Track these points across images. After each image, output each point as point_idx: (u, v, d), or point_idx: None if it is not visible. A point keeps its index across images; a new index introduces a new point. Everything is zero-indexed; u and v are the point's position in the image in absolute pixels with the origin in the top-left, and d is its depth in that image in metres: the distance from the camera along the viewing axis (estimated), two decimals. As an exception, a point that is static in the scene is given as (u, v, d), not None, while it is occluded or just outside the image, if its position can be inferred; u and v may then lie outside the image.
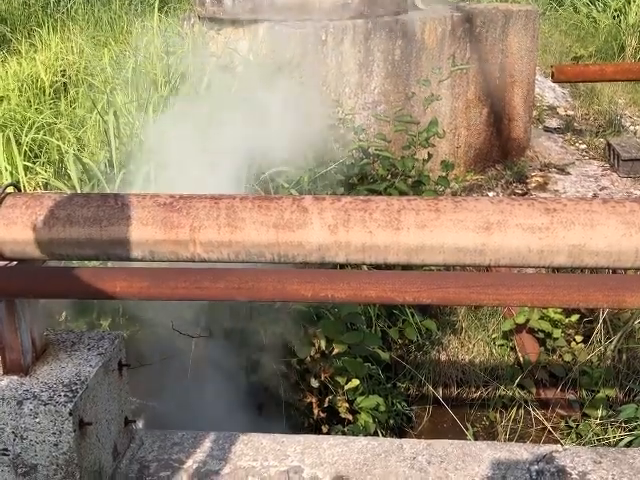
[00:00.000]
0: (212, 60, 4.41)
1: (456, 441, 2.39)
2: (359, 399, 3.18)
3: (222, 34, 5.03)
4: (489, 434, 3.59)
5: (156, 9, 5.16)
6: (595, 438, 3.34)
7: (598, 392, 3.63)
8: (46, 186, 3.38)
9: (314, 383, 3.15)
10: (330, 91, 5.04)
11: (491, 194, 5.90)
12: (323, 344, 3.13)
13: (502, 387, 3.75)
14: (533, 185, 6.10)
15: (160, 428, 2.47)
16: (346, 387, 3.15)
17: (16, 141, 3.58)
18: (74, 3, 7.87)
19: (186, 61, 4.39)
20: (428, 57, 5.49)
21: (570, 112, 7.73)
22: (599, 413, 3.49)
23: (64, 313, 2.69)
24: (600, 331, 3.88)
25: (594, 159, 6.63)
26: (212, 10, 5.24)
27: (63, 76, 5.20)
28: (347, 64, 5.10)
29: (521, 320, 3.99)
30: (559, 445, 2.37)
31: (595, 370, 3.73)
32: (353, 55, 5.11)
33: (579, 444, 3.30)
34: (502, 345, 4.08)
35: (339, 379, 3.16)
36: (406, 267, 2.38)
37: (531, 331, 4.03)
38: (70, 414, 1.90)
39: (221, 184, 2.97)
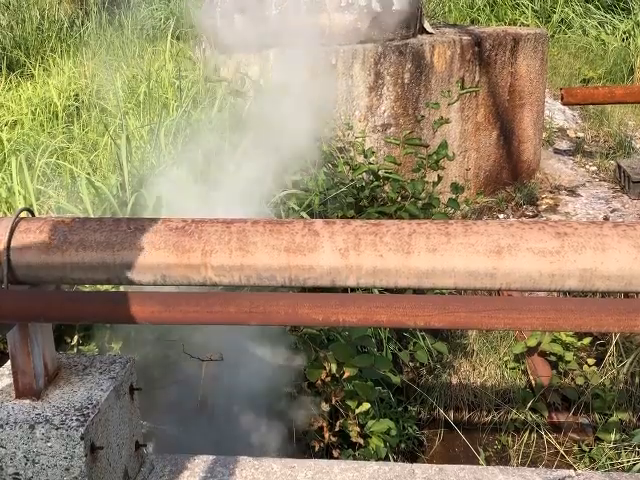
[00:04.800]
0: (223, 85, 4.45)
1: (468, 466, 2.38)
2: (370, 423, 3.17)
3: (233, 59, 5.08)
4: (501, 458, 3.56)
5: (169, 35, 5.22)
6: (608, 462, 3.31)
7: (611, 416, 3.60)
8: (59, 210, 3.40)
9: (325, 407, 3.13)
10: (340, 114, 5.07)
11: (501, 216, 5.89)
12: (334, 367, 3.13)
13: (514, 411, 3.72)
14: (544, 207, 6.09)
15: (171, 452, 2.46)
16: (357, 411, 3.14)
17: (29, 165, 3.61)
18: (87, 28, 7.96)
19: (197, 86, 4.43)
20: (437, 80, 5.52)
21: (580, 134, 7.74)
22: (612, 437, 3.46)
23: (76, 336, 2.70)
24: (613, 354, 3.86)
25: (604, 181, 6.63)
26: (223, 35, 5.29)
27: (76, 100, 5.25)
28: (357, 88, 5.14)
29: (533, 343, 3.97)
30: (572, 470, 2.35)
31: (608, 393, 3.70)
32: (363, 79, 5.14)
33: (592, 468, 3.27)
34: (514, 368, 4.06)
35: (350, 403, 3.15)
36: (417, 291, 2.38)
37: (543, 354, 4.01)
38: (82, 438, 1.90)
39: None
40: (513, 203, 6.13)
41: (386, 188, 4.42)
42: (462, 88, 5.65)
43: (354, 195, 4.14)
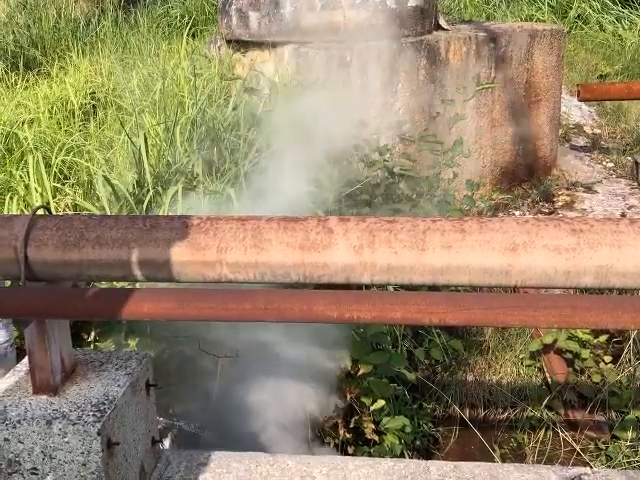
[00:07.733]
0: (238, 82, 4.46)
1: (483, 463, 2.37)
2: (385, 420, 3.16)
3: (248, 56, 5.10)
4: (517, 456, 3.54)
5: (185, 33, 5.23)
6: (625, 460, 3.29)
7: (628, 413, 3.58)
8: (75, 207, 3.43)
9: (340, 403, 3.14)
10: (355, 111, 5.06)
11: (517, 213, 5.87)
12: (349, 364, 3.13)
13: (530, 408, 3.70)
14: (560, 204, 6.06)
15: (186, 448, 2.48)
16: (372, 408, 3.14)
17: (46, 163, 3.63)
18: (103, 27, 8.00)
19: (212, 83, 4.44)
20: (453, 77, 5.50)
21: (597, 130, 7.69)
22: (629, 435, 3.44)
23: (92, 333, 2.72)
24: (629, 351, 3.83)
25: (621, 177, 6.58)
26: (238, 32, 5.31)
27: (92, 98, 5.28)
28: (372, 85, 5.13)
29: (549, 340, 3.96)
30: (588, 467, 2.35)
31: (625, 391, 3.68)
32: (378, 76, 5.13)
33: (609, 467, 3.25)
34: (530, 366, 4.04)
35: (365, 400, 3.15)
36: (431, 288, 2.37)
37: (559, 351, 3.99)
38: (98, 434, 1.92)
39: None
40: (529, 200, 6.09)
41: (401, 185, 4.41)
42: (478, 84, 5.62)
43: (369, 192, 4.13)
